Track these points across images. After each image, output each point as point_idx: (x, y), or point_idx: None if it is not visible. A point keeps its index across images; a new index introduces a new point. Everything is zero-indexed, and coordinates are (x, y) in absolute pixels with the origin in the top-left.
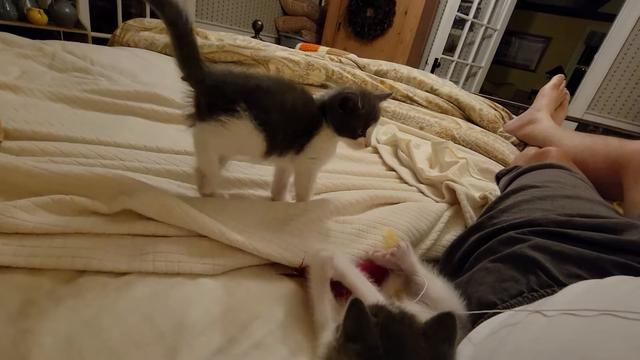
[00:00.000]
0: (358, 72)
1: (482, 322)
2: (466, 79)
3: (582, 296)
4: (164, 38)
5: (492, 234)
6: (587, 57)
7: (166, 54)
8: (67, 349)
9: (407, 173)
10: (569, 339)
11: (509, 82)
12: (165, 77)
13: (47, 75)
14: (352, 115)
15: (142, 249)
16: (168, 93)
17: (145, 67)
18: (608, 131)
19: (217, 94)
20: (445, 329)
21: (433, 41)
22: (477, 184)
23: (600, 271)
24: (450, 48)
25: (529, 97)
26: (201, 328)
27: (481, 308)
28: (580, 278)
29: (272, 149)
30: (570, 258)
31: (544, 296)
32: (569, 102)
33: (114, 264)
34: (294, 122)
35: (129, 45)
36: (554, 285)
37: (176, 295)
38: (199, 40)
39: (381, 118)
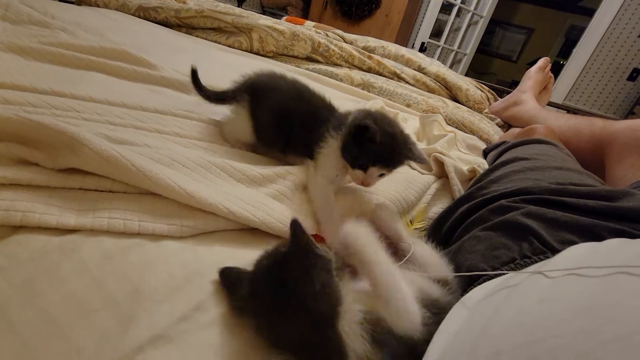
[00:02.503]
0: (345, 45)
1: (470, 288)
2: (451, 65)
3: (584, 257)
4: (137, 0)
5: (482, 203)
6: (566, 51)
7: (140, 17)
8: None
9: None
10: (582, 297)
11: (491, 71)
12: (137, 38)
13: None
14: (363, 143)
15: (95, 205)
16: (140, 53)
17: (115, 27)
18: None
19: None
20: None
21: (420, 25)
22: (465, 157)
23: (596, 237)
24: (436, 33)
25: (510, 87)
26: (162, 294)
27: (472, 276)
28: (574, 244)
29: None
30: (565, 225)
31: (537, 262)
32: None
33: (59, 219)
34: (289, 120)
35: (97, 6)
36: (547, 252)
37: (134, 257)
38: (175, 5)
39: (367, 94)
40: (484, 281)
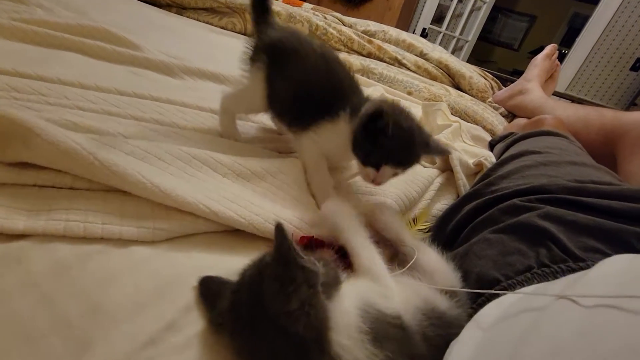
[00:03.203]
0: (344, 29)
1: (481, 300)
2: (452, 53)
3: (626, 279)
4: None
5: (491, 202)
6: (569, 39)
7: None
8: None
9: None
10: (632, 337)
11: (491, 60)
12: (122, 17)
13: None
14: (376, 136)
15: (50, 204)
16: (122, 32)
17: (99, 5)
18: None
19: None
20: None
21: (422, 10)
22: (470, 149)
23: (623, 245)
24: (438, 19)
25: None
26: (126, 312)
27: (482, 285)
28: (599, 252)
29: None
30: (587, 229)
31: (557, 273)
32: None
33: (4, 222)
34: (307, 94)
35: None
36: (568, 259)
37: (94, 268)
38: None
39: (366, 80)
40: (494, 296)
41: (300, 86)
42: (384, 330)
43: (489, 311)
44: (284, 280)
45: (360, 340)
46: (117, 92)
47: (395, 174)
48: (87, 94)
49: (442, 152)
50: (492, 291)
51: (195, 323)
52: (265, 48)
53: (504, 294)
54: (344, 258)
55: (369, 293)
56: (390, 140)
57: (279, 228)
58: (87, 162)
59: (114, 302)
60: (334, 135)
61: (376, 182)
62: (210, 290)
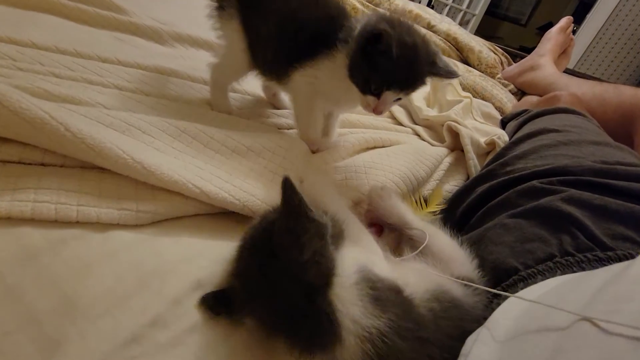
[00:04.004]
0: None
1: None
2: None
3: None
4: None
5: (507, 183)
6: (580, 15)
7: None
8: None
9: (401, 112)
10: None
11: (498, 35)
12: None
13: None
14: (375, 58)
15: (16, 183)
16: None
17: None
18: None
19: None
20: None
21: None
22: (482, 127)
23: None
24: None
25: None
26: (105, 306)
27: (498, 273)
28: (629, 240)
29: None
30: (617, 214)
31: (582, 262)
32: None
33: None
34: (294, 27)
35: None
36: (595, 248)
37: (68, 255)
38: None
39: None
40: (515, 283)
41: (284, 20)
42: (384, 294)
43: (503, 319)
44: (296, 232)
45: (359, 295)
46: (99, 59)
47: (398, 99)
48: (65, 60)
49: (451, 74)
50: (515, 295)
51: (184, 317)
52: None
53: (523, 298)
54: None
55: (363, 257)
56: (392, 62)
57: (287, 182)
58: (58, 134)
59: (90, 294)
60: (332, 71)
61: (377, 110)
62: (216, 302)
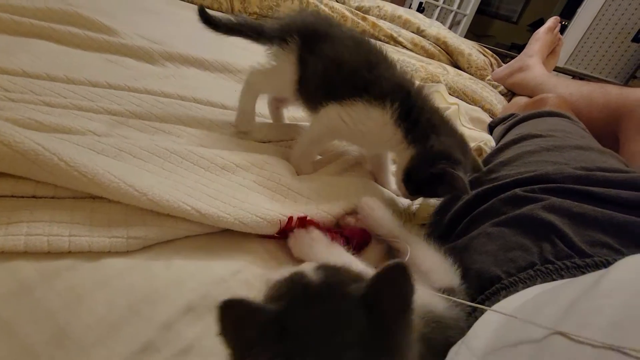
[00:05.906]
0: (337, 5)
1: (480, 299)
2: (450, 27)
3: None
4: None
5: (491, 191)
6: (569, 11)
7: None
8: None
9: None
10: None
11: (489, 34)
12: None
13: None
14: (427, 180)
15: (9, 217)
16: (96, 16)
17: None
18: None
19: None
20: (397, 290)
21: None
22: (469, 133)
23: (634, 238)
24: None
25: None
26: (97, 335)
27: (482, 282)
28: (607, 247)
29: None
30: (595, 221)
31: (561, 270)
32: None
33: None
34: (341, 70)
35: None
36: (574, 255)
37: (61, 287)
38: None
39: None
40: (498, 291)
41: (338, 64)
42: None
43: (482, 332)
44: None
45: None
46: (90, 84)
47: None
48: (56, 87)
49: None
50: (501, 312)
51: (174, 342)
52: (297, 29)
53: (502, 312)
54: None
55: None
56: (444, 189)
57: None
58: (51, 164)
59: (83, 324)
60: (366, 118)
61: (402, 194)
62: (237, 316)
